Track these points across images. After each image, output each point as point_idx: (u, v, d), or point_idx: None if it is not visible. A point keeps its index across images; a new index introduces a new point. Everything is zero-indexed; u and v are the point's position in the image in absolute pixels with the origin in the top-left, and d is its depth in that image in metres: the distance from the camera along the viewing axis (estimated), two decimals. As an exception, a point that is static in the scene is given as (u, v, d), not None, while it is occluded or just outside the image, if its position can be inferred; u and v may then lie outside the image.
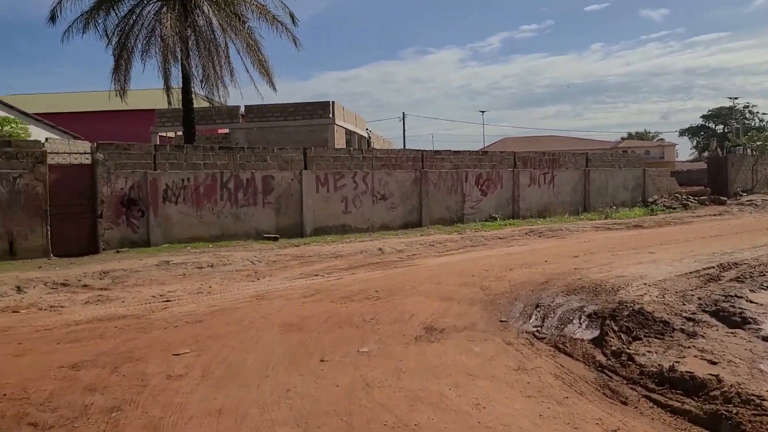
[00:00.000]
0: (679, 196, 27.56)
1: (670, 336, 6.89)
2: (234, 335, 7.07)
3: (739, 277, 10.45)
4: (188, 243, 15.62)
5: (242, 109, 31.27)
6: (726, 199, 28.64)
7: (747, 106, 78.82)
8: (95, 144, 15.21)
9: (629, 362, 5.84)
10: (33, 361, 6.09)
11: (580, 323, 8.04)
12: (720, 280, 10.39)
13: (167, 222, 15.61)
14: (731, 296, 8.80)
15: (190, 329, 7.39)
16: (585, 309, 8.63)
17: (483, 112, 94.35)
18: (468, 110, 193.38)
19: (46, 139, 26.57)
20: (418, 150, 20.89)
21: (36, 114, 34.15)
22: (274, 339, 6.93)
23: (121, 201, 14.92)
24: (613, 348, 6.36)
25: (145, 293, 10.15)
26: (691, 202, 26.95)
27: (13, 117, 26.61)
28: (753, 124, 73.96)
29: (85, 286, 10.72)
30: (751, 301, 8.54)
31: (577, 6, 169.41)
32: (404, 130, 59.21)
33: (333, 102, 29.92)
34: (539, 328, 7.79)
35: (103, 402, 4.94)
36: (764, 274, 10.64)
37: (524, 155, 23.70)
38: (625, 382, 5.43)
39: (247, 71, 21.97)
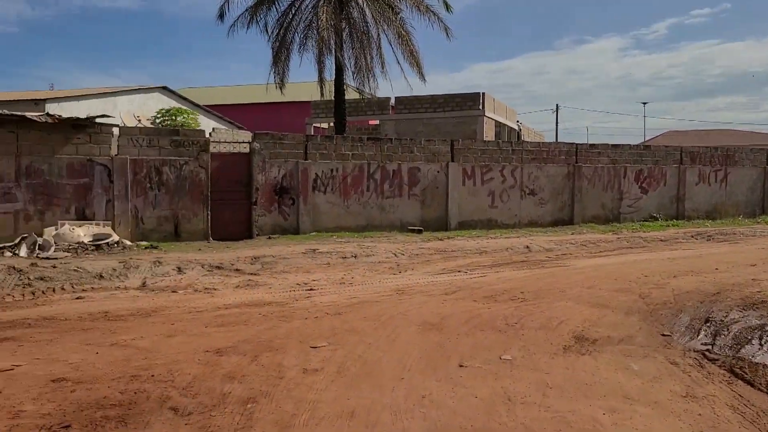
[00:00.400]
0: None
1: None
2: (371, 331, 6.91)
3: None
4: (334, 232, 15.91)
5: (392, 101, 31.55)
6: None
7: None
8: (253, 134, 15.94)
9: (829, 400, 4.87)
10: (182, 342, 6.32)
11: (761, 345, 6.96)
12: None
13: (315, 210, 16.02)
14: None
15: (328, 321, 7.34)
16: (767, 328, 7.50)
17: (645, 103, 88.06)
18: (627, 102, 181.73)
19: (213, 129, 28.56)
20: (571, 143, 19.74)
21: (206, 105, 36.96)
22: (411, 338, 6.67)
23: (274, 189, 15.52)
24: (808, 381, 5.36)
25: (290, 280, 10.37)
26: None
27: (185, 108, 28.96)
28: None
29: (237, 270, 11.19)
30: None
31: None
32: (557, 123, 57.05)
33: (483, 93, 29.26)
34: (709, 347, 6.85)
35: (240, 391, 4.94)
36: None
37: (692, 150, 21.59)
38: (824, 424, 4.50)
39: (398, 62, 22.04)
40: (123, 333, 6.66)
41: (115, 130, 13.81)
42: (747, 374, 5.70)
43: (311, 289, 9.55)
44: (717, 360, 6.21)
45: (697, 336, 7.34)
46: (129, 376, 5.23)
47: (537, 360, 5.98)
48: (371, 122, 35.22)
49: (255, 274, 10.88)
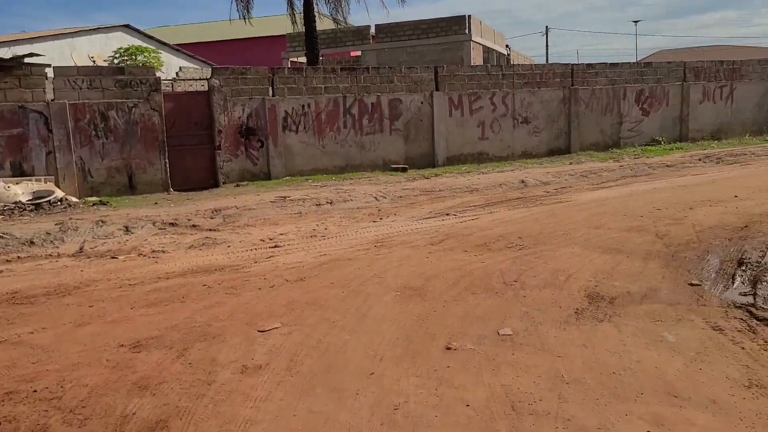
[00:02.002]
0: None
1: None
2: (338, 303, 5.58)
3: None
4: (310, 175, 14.45)
5: (372, 30, 29.42)
6: None
7: None
8: (211, 69, 14.22)
9: None
10: (93, 334, 4.97)
11: (816, 295, 5.71)
12: None
13: (288, 153, 14.48)
14: None
15: (287, 291, 6.00)
16: (817, 271, 6.23)
17: (636, 22, 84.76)
18: (617, 23, 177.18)
19: (180, 68, 26.55)
20: (566, 64, 18.04)
21: (178, 44, 34.60)
22: (387, 310, 5.35)
23: (239, 131, 13.93)
24: None
25: (254, 235, 9.01)
26: None
27: (146, 46, 26.79)
28: None
29: (193, 226, 9.80)
30: None
31: None
32: (547, 46, 54.80)
33: (469, 16, 27.17)
34: (751, 299, 5.58)
35: (149, 411, 3.64)
36: None
37: (696, 65, 19.92)
38: None
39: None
40: (23, 322, 5.30)
41: (49, 72, 12.07)
42: (816, 342, 4.43)
43: (276, 246, 8.19)
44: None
45: (732, 284, 6.08)
46: (2, 394, 3.90)
47: (544, 333, 4.69)
48: (353, 54, 33.13)
49: (214, 230, 9.49)
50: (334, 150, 14.97)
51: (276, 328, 5.00)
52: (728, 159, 15.65)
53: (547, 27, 66.34)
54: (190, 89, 15.01)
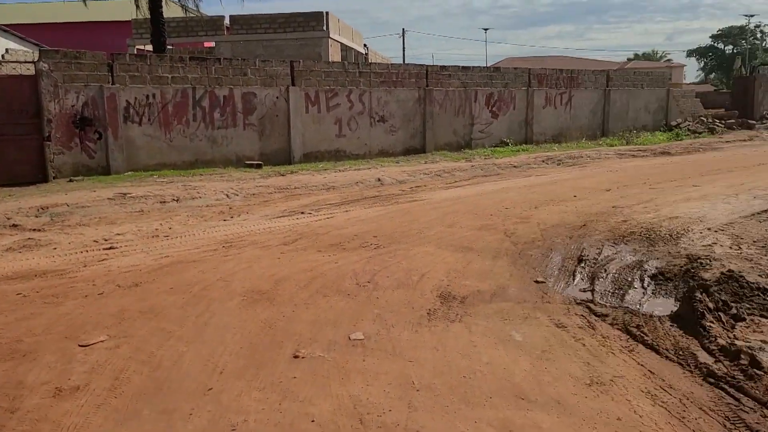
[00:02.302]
0: (705, 120, 25.20)
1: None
2: (176, 310, 5.08)
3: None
4: (156, 170, 13.47)
5: (227, 21, 28.31)
6: (754, 122, 26.28)
7: (758, 26, 74.52)
8: (39, 51, 12.78)
9: (757, 370, 3.87)
10: None
11: (645, 288, 6.08)
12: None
13: (130, 146, 13.38)
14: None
15: (118, 298, 5.38)
16: (645, 266, 6.66)
17: (486, 29, 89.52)
18: (469, 30, 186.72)
19: (6, 50, 23.82)
20: (421, 65, 18.37)
21: (6, 24, 31.10)
22: (231, 317, 4.94)
23: (72, 120, 12.63)
24: (720, 340, 4.38)
25: (87, 236, 8.13)
26: (717, 126, 24.63)
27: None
28: (765, 45, 69.90)
29: (14, 226, 8.68)
30: None
31: None
32: (404, 48, 55.97)
33: (327, 13, 26.95)
34: (590, 294, 5.84)
35: (-75, 453, 2.98)
36: None
37: (540, 72, 21.17)
38: (766, 410, 3.47)
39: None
40: None
41: None
42: (647, 336, 4.64)
43: (111, 248, 7.42)
44: (606, 316, 5.13)
45: (573, 280, 6.35)
46: None
47: (396, 337, 4.54)
48: (206, 45, 31.67)
49: (39, 231, 8.45)
50: (182, 144, 14.06)
51: (101, 341, 4.41)
52: (568, 161, 16.72)
53: (403, 29, 67.94)
54: (17, 74, 13.37)
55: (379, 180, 13.23)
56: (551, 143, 20.72)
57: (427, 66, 18.39)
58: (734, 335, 4.51)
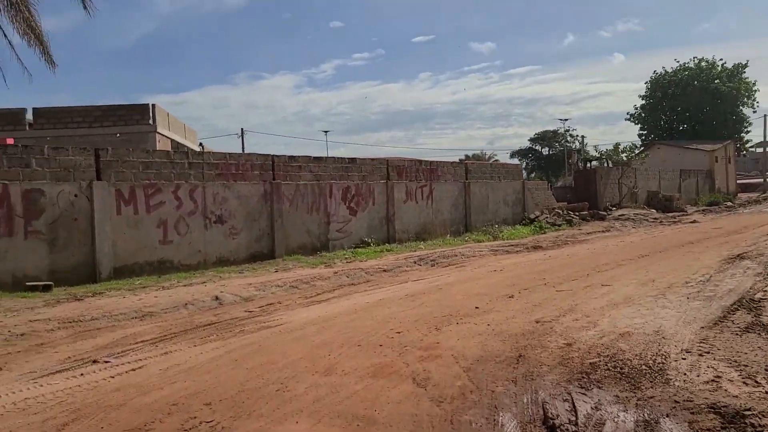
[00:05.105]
0: (561, 212, 24.80)
1: None
2: None
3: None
4: None
5: (29, 115, 23.92)
6: (604, 214, 26.41)
7: (567, 130, 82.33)
8: None
9: None
10: None
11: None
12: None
13: None
14: None
15: None
16: (662, 434, 4.08)
17: (326, 132, 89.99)
18: (309, 134, 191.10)
19: None
20: (267, 155, 15.57)
21: None
22: None
23: None
24: None
25: None
26: (574, 218, 24.26)
27: None
28: (574, 146, 76.51)
29: None
30: None
31: (404, 37, 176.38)
32: (243, 148, 53.12)
33: (153, 105, 23.63)
34: None
35: None
36: None
37: (399, 164, 19.28)
38: None
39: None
40: None
41: None
42: None
43: None
44: None
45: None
46: None
47: None
48: (9, 141, 26.69)
49: None
50: (-75, 263, 9.82)
51: None
52: (442, 261, 14.49)
53: (242, 129, 65.39)
54: None
55: (217, 299, 9.91)
56: (416, 241, 18.58)
57: (274, 156, 15.64)
58: None
